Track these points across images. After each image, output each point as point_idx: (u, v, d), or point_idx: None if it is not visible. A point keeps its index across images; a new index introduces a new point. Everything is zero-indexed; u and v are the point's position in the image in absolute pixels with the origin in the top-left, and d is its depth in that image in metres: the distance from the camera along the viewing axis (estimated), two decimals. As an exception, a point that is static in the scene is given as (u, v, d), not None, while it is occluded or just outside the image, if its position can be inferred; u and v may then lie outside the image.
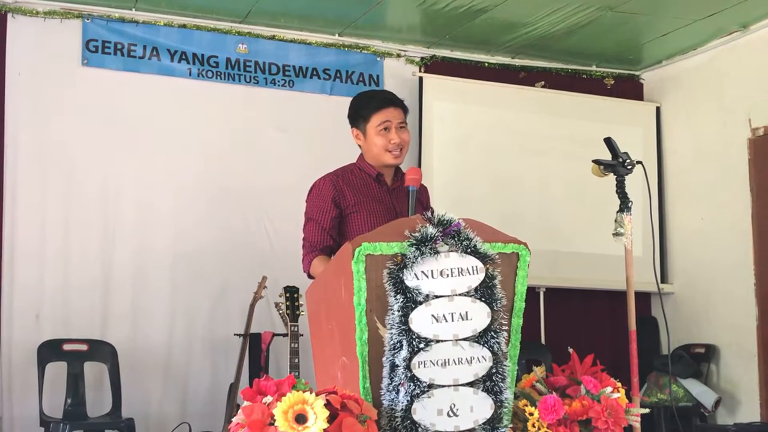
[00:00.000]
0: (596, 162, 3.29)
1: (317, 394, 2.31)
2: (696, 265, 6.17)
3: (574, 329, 6.02)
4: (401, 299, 2.48)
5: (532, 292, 5.68)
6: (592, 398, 2.77)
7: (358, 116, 3.46)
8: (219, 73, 5.73)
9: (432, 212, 2.60)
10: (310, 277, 3.37)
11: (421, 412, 2.47)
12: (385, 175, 3.47)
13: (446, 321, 2.51)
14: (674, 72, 6.46)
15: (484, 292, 2.56)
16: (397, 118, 3.42)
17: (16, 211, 5.21)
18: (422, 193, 3.62)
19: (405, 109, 3.49)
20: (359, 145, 3.51)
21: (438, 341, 2.50)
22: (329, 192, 3.39)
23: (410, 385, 2.46)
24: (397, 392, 2.47)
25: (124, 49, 5.53)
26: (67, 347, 5.07)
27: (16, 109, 5.26)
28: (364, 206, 3.39)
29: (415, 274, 2.50)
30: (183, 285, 5.50)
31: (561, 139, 6.23)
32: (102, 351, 5.15)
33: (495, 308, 2.56)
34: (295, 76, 5.91)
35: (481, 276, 2.56)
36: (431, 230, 2.53)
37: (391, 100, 3.46)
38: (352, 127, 3.50)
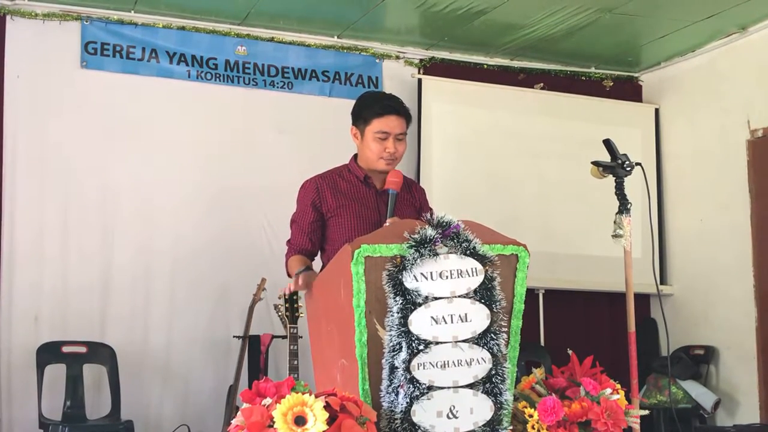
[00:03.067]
0: (595, 163, 3.29)
1: (316, 396, 2.31)
2: (695, 267, 6.17)
3: (574, 331, 6.01)
4: (400, 301, 2.49)
5: (531, 294, 5.68)
6: (591, 400, 2.77)
7: (359, 116, 3.44)
8: (218, 75, 5.73)
9: (431, 214, 2.60)
10: (289, 275, 3.41)
11: (421, 413, 2.47)
12: (373, 178, 3.46)
13: (445, 323, 2.51)
14: (673, 74, 6.46)
15: (483, 293, 2.56)
16: (396, 129, 3.38)
17: (15, 213, 5.21)
18: (418, 194, 3.61)
19: (408, 118, 3.45)
20: (356, 143, 3.51)
21: (437, 343, 2.50)
22: (310, 196, 3.42)
23: (410, 387, 2.46)
24: (397, 394, 2.47)
25: (122, 51, 5.53)
26: (66, 349, 5.07)
27: (15, 112, 5.26)
28: (348, 209, 3.38)
29: (414, 275, 2.50)
30: (182, 287, 5.50)
31: (560, 140, 6.24)
32: (101, 353, 5.15)
33: (494, 310, 2.57)
34: (294, 78, 5.91)
35: (481, 278, 2.56)
36: (430, 232, 2.54)
37: (395, 109, 3.40)
38: (352, 123, 3.48)
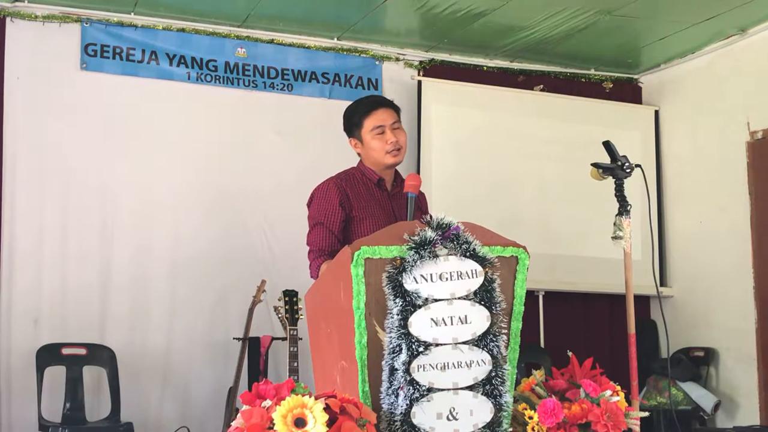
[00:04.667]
0: (595, 165, 3.29)
1: (316, 398, 2.31)
2: (695, 269, 6.17)
3: (574, 332, 6.01)
4: (400, 303, 2.48)
5: (531, 296, 5.69)
6: (591, 402, 2.77)
7: (351, 125, 3.45)
8: (218, 77, 5.73)
9: (431, 216, 2.60)
10: None
11: (421, 415, 2.47)
12: (385, 181, 3.46)
13: (445, 324, 2.51)
14: (673, 75, 6.46)
15: (483, 295, 2.56)
16: (389, 119, 3.40)
17: (15, 214, 5.21)
18: (421, 199, 3.61)
19: (396, 109, 3.47)
20: (358, 153, 3.50)
21: (437, 345, 2.50)
22: (335, 195, 3.35)
23: (409, 389, 2.46)
24: (397, 396, 2.47)
25: (122, 53, 5.53)
26: (65, 351, 5.07)
27: (15, 113, 5.26)
28: (367, 212, 3.36)
29: (414, 277, 2.50)
30: (182, 288, 5.50)
31: (559, 142, 6.24)
32: (101, 355, 5.15)
33: (494, 312, 2.56)
34: (294, 80, 5.91)
35: (481, 279, 2.56)
36: (430, 234, 2.53)
37: (380, 102, 3.46)
38: (349, 138, 3.49)
